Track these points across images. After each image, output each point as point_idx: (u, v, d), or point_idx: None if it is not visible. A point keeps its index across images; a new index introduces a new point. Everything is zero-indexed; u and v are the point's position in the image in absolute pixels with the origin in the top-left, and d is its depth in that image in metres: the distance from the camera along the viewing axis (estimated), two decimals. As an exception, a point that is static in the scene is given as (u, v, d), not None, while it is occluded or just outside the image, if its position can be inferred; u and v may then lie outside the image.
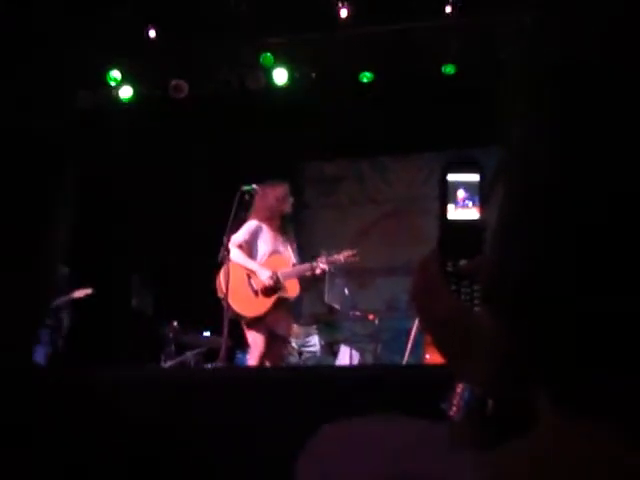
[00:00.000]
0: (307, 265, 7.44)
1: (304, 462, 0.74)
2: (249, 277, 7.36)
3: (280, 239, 7.51)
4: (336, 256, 7.47)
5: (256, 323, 7.37)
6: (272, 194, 7.41)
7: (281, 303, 7.37)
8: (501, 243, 0.65)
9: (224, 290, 7.23)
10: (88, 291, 8.75)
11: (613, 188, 0.56)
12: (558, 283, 0.59)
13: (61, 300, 8.63)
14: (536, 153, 0.61)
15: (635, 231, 0.56)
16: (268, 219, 7.46)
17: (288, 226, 7.66)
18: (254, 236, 7.47)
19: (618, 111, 0.56)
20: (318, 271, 7.38)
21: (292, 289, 7.38)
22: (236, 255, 7.25)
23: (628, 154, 0.56)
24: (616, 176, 0.56)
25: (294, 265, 7.48)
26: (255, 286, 7.35)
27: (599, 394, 0.60)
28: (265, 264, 7.40)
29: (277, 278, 7.34)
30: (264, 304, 7.35)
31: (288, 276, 7.37)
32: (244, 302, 7.21)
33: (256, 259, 7.44)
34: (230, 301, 7.28)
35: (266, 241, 7.46)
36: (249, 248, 7.46)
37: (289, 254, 7.49)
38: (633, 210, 0.56)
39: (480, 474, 0.64)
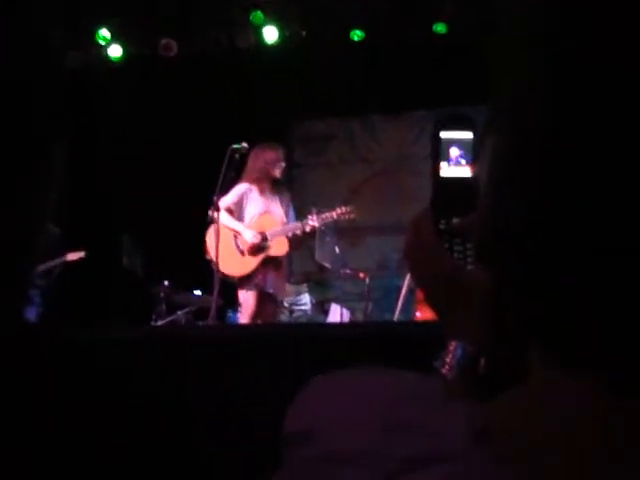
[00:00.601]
0: (297, 223, 7.42)
1: (292, 413, 0.73)
2: (235, 238, 7.36)
3: (272, 200, 7.49)
4: (328, 213, 7.45)
5: (245, 282, 7.38)
6: (262, 157, 7.41)
7: (269, 262, 7.35)
8: (494, 196, 0.65)
9: (211, 251, 7.26)
10: (81, 254, 8.71)
11: (607, 133, 0.56)
12: (553, 233, 0.59)
13: (54, 262, 8.60)
14: (529, 102, 0.61)
15: (632, 175, 0.56)
16: (258, 180, 7.45)
17: (282, 187, 7.64)
18: (242, 198, 7.46)
19: (612, 60, 0.56)
20: (308, 228, 7.36)
21: (280, 247, 7.36)
22: (223, 217, 7.25)
23: (622, 99, 0.56)
24: (610, 121, 0.56)
25: (285, 224, 7.47)
26: (241, 246, 7.36)
27: (586, 347, 0.60)
28: (255, 224, 7.40)
29: (263, 237, 7.33)
30: (250, 263, 7.35)
31: (276, 235, 7.35)
32: (230, 262, 7.21)
33: (245, 221, 7.44)
34: (220, 264, 7.32)
35: (256, 202, 7.45)
36: (238, 210, 7.47)
37: (280, 214, 7.47)
38: (629, 153, 0.55)
39: (473, 425, 0.64)
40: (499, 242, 0.64)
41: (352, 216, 7.56)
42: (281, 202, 7.52)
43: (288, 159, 7.73)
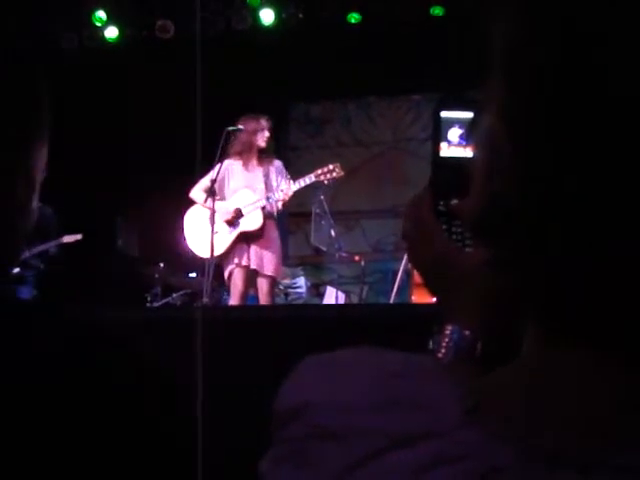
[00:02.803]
0: (270, 195, 7.22)
1: (282, 392, 0.73)
2: (212, 215, 7.26)
3: (256, 173, 7.33)
4: (306, 177, 7.19)
5: (225, 262, 7.30)
6: (245, 128, 7.30)
7: (245, 237, 7.23)
8: (488, 173, 0.64)
9: (187, 234, 7.35)
10: (78, 237, 8.66)
11: (602, 114, 0.57)
12: (548, 210, 0.59)
13: (50, 244, 8.58)
14: (521, 83, 0.61)
15: (623, 152, 0.55)
16: (241, 154, 7.32)
17: (269, 158, 7.40)
18: (224, 175, 7.34)
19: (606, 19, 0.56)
20: (286, 197, 7.11)
21: (252, 221, 7.18)
22: (197, 197, 7.23)
23: (618, 78, 0.55)
24: (605, 104, 0.56)
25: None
26: (214, 225, 7.25)
27: (582, 322, 0.60)
28: (233, 200, 7.29)
29: (237, 213, 7.22)
30: (224, 242, 7.24)
31: (249, 208, 7.21)
32: (206, 244, 7.08)
33: (227, 197, 7.34)
34: (191, 246, 7.29)
35: (238, 177, 7.33)
36: (220, 187, 7.36)
37: (261, 187, 7.27)
38: (619, 134, 0.55)
39: (465, 402, 0.64)
40: (494, 222, 0.64)
41: (335, 174, 7.25)
42: (267, 174, 7.34)
43: (284, 141, 7.59)
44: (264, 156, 7.36)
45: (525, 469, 0.59)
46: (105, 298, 9.03)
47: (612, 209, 0.56)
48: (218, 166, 7.30)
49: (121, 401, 1.02)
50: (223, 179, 7.37)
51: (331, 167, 7.21)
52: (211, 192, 7.10)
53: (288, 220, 9.41)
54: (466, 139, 1.15)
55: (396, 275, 7.97)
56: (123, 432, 1.00)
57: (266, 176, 7.28)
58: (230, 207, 7.27)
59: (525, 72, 0.60)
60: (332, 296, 8.84)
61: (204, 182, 7.25)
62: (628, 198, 0.56)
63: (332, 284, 9.12)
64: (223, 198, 7.37)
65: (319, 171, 7.19)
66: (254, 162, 7.36)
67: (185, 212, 7.65)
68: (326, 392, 0.70)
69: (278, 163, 7.50)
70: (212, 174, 7.28)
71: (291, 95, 11.18)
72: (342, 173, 7.24)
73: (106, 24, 10.42)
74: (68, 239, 8.59)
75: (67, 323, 1.08)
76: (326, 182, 7.26)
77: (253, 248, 7.18)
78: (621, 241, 0.57)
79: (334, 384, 0.70)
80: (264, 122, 7.34)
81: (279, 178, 7.32)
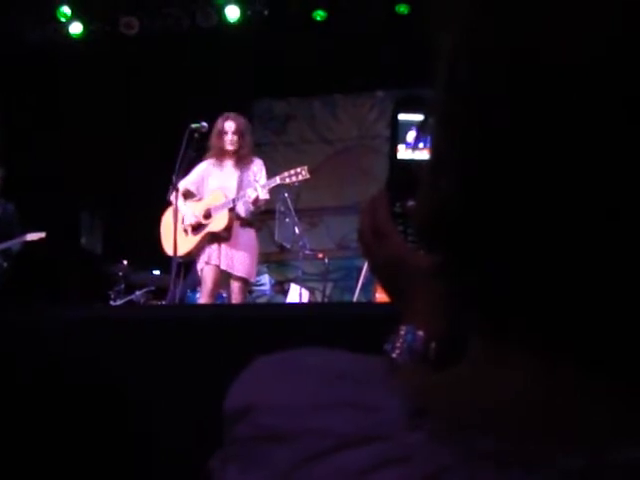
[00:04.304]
0: (229, 198, 7.20)
1: (232, 392, 0.74)
2: (183, 218, 7.29)
3: (231, 174, 7.30)
4: (271, 180, 7.17)
5: (195, 261, 7.32)
6: (214, 130, 7.26)
7: (213, 238, 7.22)
8: (432, 177, 0.65)
9: (163, 234, 7.32)
10: (42, 234, 8.58)
11: (537, 111, 0.57)
12: (486, 209, 0.59)
13: (12, 242, 8.52)
14: (457, 83, 0.62)
15: (559, 148, 0.56)
16: (214, 155, 7.30)
17: (247, 159, 7.34)
18: (203, 176, 7.37)
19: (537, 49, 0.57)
20: (251, 200, 7.06)
21: (218, 222, 7.16)
22: (173, 199, 7.23)
23: (553, 76, 0.56)
24: (541, 103, 0.57)
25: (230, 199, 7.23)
26: (185, 226, 7.28)
27: (521, 321, 0.61)
28: (206, 201, 7.30)
29: (207, 214, 7.21)
30: (190, 242, 7.26)
31: (219, 209, 7.21)
32: (176, 243, 7.08)
33: (204, 197, 7.36)
34: (163, 243, 7.31)
35: (214, 178, 7.31)
36: (200, 189, 7.39)
37: (232, 188, 7.24)
38: (556, 130, 0.56)
39: (411, 403, 0.64)
40: (436, 226, 0.64)
41: (301, 176, 7.17)
42: (241, 175, 7.30)
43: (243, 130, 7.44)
44: (240, 156, 7.31)
45: (472, 469, 0.59)
46: (68, 295, 8.99)
47: (550, 213, 0.57)
48: (197, 167, 7.35)
49: (70, 404, 1.02)
50: (202, 180, 7.37)
51: (298, 170, 7.14)
52: (176, 190, 7.08)
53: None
54: (417, 141, 1.16)
55: (360, 272, 7.99)
56: (76, 434, 1.00)
57: (240, 177, 7.25)
58: (201, 208, 7.27)
59: (463, 78, 0.61)
60: (296, 293, 8.85)
61: (182, 183, 7.24)
62: (568, 203, 0.56)
63: (296, 281, 9.12)
64: (201, 199, 7.38)
65: (285, 173, 7.13)
66: (229, 162, 7.32)
67: (150, 210, 7.64)
68: (272, 393, 0.70)
69: (257, 163, 7.43)
70: (191, 176, 7.34)
71: (256, 91, 11.16)
72: (308, 176, 7.18)
73: (71, 19, 10.36)
74: (32, 237, 8.53)
75: (18, 327, 1.08)
76: (291, 183, 7.23)
77: (223, 249, 7.16)
78: (557, 238, 0.57)
79: (280, 385, 0.70)
80: (227, 124, 7.27)
81: (254, 179, 7.27)
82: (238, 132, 7.27)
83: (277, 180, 7.12)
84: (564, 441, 0.58)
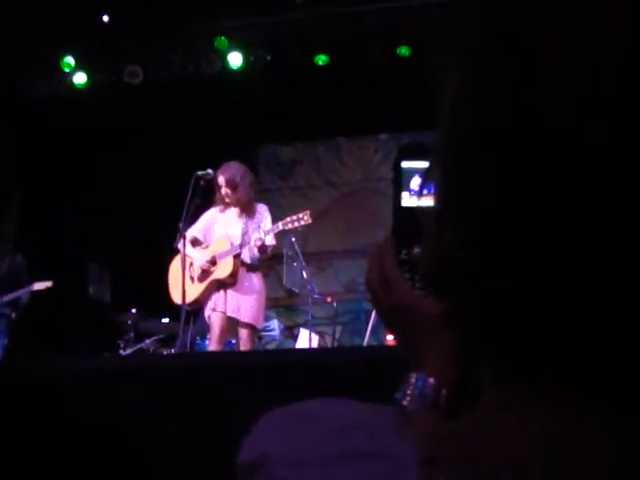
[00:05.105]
0: (235, 245, 7.23)
1: (245, 444, 0.74)
2: (190, 266, 7.31)
3: (235, 221, 7.31)
4: (274, 225, 7.18)
5: (205, 308, 7.32)
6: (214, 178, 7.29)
7: (219, 285, 7.24)
8: (436, 224, 0.65)
9: (170, 282, 7.36)
10: (48, 284, 8.60)
11: (535, 164, 0.57)
12: (490, 256, 0.59)
13: (20, 292, 8.54)
14: (458, 130, 0.62)
15: (560, 198, 0.56)
16: (219, 203, 7.36)
17: (251, 207, 7.36)
18: (210, 224, 7.41)
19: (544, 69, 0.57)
20: (256, 246, 7.07)
21: (223, 269, 7.20)
22: (181, 247, 7.23)
23: (552, 132, 0.56)
24: (537, 152, 0.57)
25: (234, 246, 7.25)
26: (192, 273, 7.30)
27: (533, 372, 0.60)
28: (211, 248, 7.33)
29: (212, 261, 7.24)
30: (197, 290, 7.27)
31: (223, 257, 7.23)
32: (181, 290, 7.09)
33: (210, 245, 7.39)
34: (171, 291, 7.32)
35: (219, 225, 7.34)
36: (208, 237, 7.42)
37: (237, 235, 7.26)
38: (556, 180, 0.56)
39: (424, 452, 0.64)
40: (441, 273, 0.64)
41: (304, 221, 7.20)
42: (247, 221, 7.30)
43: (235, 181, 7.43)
44: (242, 204, 7.33)
45: None
46: (77, 345, 8.98)
47: (556, 261, 0.57)
48: (204, 215, 7.41)
49: (82, 454, 1.02)
50: (209, 227, 7.41)
51: (300, 215, 7.17)
52: (183, 238, 7.10)
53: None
54: (421, 189, 1.16)
55: (369, 315, 7.96)
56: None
57: (245, 224, 7.27)
58: (206, 255, 7.29)
59: (466, 125, 0.61)
60: (306, 338, 8.81)
61: (190, 231, 7.28)
62: (572, 251, 0.56)
63: (306, 326, 9.09)
64: (208, 246, 7.41)
65: (288, 219, 7.16)
66: (234, 210, 7.36)
67: (158, 258, 7.65)
68: (286, 445, 0.70)
69: (261, 209, 7.47)
70: (199, 224, 7.40)
71: (260, 137, 11.20)
72: (310, 220, 7.20)
73: (74, 70, 10.41)
74: (39, 286, 8.55)
75: (30, 379, 1.08)
76: (294, 227, 7.25)
77: (229, 295, 7.17)
78: (560, 282, 0.57)
79: (294, 437, 0.70)
80: (219, 178, 7.28)
81: (258, 225, 7.27)
82: (229, 184, 7.29)
83: (280, 226, 7.15)
84: None
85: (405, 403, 1.05)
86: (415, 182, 1.19)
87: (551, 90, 0.56)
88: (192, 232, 7.33)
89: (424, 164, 1.19)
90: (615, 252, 0.55)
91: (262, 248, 7.07)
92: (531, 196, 0.57)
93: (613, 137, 0.55)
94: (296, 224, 7.14)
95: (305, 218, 7.13)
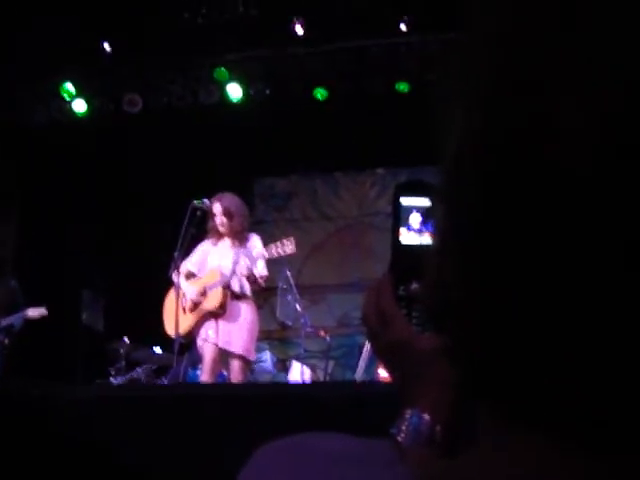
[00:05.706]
0: (224, 275, 7.26)
1: (241, 477, 0.73)
2: (184, 297, 7.30)
3: (227, 253, 7.31)
4: (260, 252, 7.27)
5: (195, 340, 7.31)
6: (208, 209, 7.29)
7: (209, 316, 7.24)
8: (437, 262, 0.65)
9: (164, 313, 7.36)
10: (43, 311, 8.58)
11: (538, 208, 0.57)
12: (495, 300, 0.59)
13: (14, 317, 8.51)
14: (461, 173, 0.62)
15: (559, 241, 0.56)
16: (212, 235, 7.35)
17: (244, 238, 7.36)
18: (205, 255, 7.41)
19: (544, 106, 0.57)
20: (243, 275, 7.08)
21: (212, 301, 7.22)
22: (175, 277, 7.23)
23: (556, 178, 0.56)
24: (541, 201, 0.57)
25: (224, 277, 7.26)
26: (183, 304, 7.29)
27: (529, 404, 0.60)
28: (203, 280, 7.33)
29: (202, 292, 7.24)
30: (187, 321, 7.27)
31: (212, 287, 7.23)
32: (174, 322, 7.11)
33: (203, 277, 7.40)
34: (165, 323, 7.36)
35: (212, 257, 7.35)
36: (200, 267, 7.42)
37: (227, 266, 7.26)
38: (558, 229, 0.56)
39: None
40: (442, 309, 0.64)
41: (288, 249, 7.24)
42: (238, 252, 7.29)
43: (249, 215, 7.54)
44: (234, 234, 7.33)
45: None
46: (69, 372, 8.95)
47: (556, 301, 0.57)
48: (199, 247, 7.43)
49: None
50: (204, 259, 7.41)
51: (285, 242, 7.21)
52: (177, 268, 7.11)
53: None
54: (423, 226, 1.17)
55: (362, 349, 7.94)
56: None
57: (236, 254, 7.26)
58: (198, 286, 7.29)
59: (469, 167, 0.61)
60: (298, 371, 8.80)
61: (185, 264, 7.29)
62: (574, 292, 0.56)
63: (298, 359, 9.07)
64: (201, 278, 7.42)
65: (272, 245, 7.19)
66: (227, 241, 7.36)
67: (152, 287, 7.66)
68: (279, 479, 0.70)
69: (252, 239, 7.47)
70: (193, 256, 7.42)
71: (257, 169, 11.22)
72: (294, 250, 7.26)
73: (74, 97, 10.44)
74: (32, 313, 8.52)
75: (21, 405, 1.08)
76: (278, 256, 7.26)
77: (221, 326, 7.15)
78: (566, 333, 0.57)
79: (288, 472, 0.70)
80: (215, 206, 7.27)
81: (248, 256, 7.26)
82: (226, 213, 7.29)
83: (265, 254, 7.14)
84: None
85: (400, 439, 1.05)
86: (413, 218, 1.20)
87: (567, 140, 0.56)
88: (187, 266, 7.33)
89: (423, 201, 1.19)
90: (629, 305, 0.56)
91: (250, 277, 7.08)
92: (538, 240, 0.57)
93: (628, 188, 0.55)
94: (280, 250, 7.14)
95: (290, 246, 7.14)
